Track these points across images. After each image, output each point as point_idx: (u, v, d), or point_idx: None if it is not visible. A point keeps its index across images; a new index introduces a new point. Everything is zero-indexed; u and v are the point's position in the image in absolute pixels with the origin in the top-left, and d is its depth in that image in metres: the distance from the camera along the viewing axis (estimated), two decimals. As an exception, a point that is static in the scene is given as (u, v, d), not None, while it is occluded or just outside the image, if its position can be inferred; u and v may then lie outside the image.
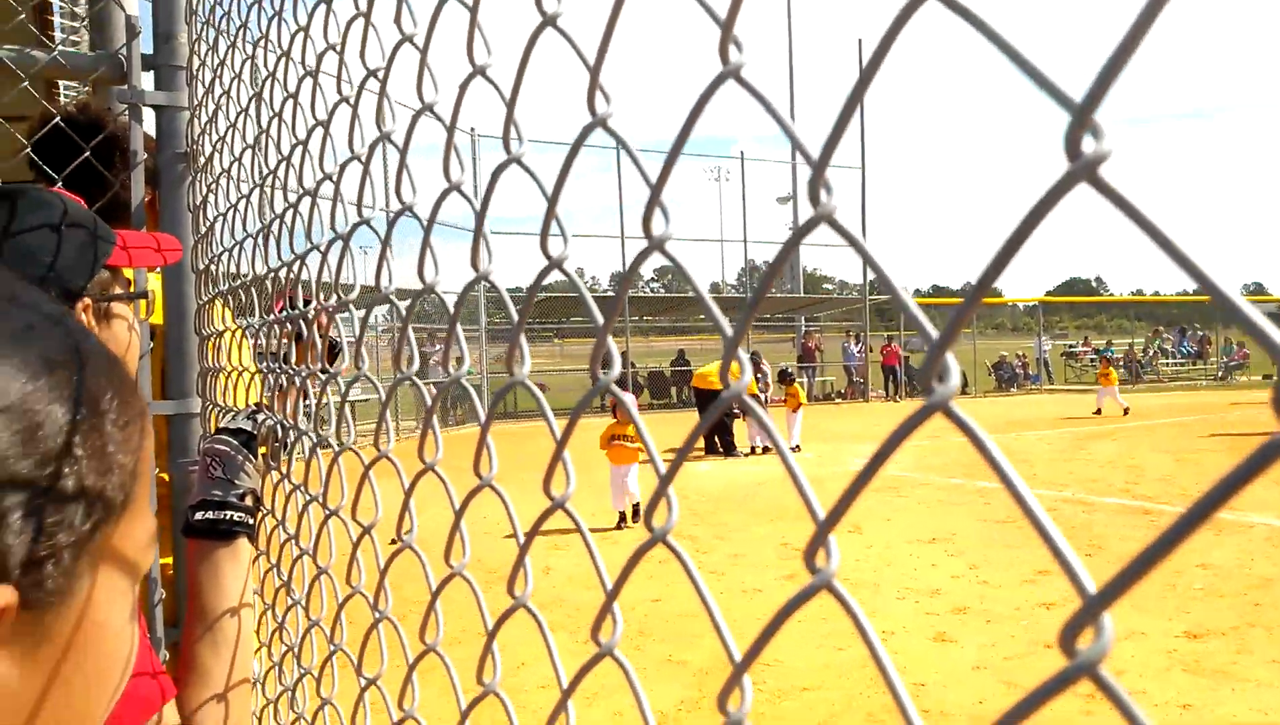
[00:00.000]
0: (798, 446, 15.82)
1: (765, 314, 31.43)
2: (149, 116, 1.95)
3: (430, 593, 0.92)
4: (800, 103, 30.10)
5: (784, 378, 18.05)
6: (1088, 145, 0.32)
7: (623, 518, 10.10)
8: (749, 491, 11.91)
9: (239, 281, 1.65)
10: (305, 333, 1.41)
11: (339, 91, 1.04)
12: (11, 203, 1.22)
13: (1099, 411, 19.68)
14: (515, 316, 0.71)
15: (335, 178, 1.11)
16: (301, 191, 1.25)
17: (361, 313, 1.16)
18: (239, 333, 1.73)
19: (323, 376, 1.31)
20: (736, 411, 13.84)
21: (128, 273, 1.53)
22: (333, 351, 1.40)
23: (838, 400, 28.96)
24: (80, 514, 0.49)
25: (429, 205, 0.92)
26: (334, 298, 1.14)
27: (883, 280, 0.40)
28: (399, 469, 0.98)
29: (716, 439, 15.71)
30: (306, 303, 1.43)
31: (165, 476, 1.94)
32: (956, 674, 5.45)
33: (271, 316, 1.55)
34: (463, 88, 0.72)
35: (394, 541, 1.02)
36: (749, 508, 10.81)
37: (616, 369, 0.61)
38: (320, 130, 1.16)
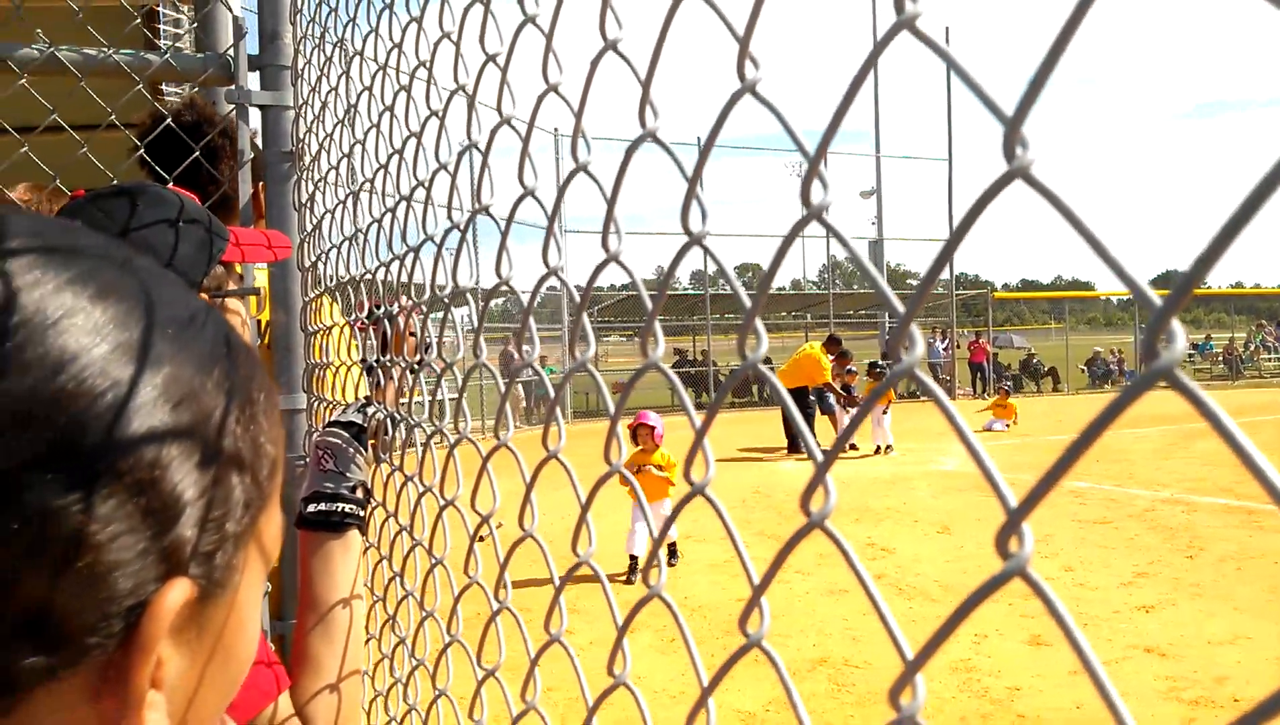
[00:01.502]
0: (889, 446, 14.81)
1: (848, 310, 31.01)
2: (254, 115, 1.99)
3: (554, 584, 0.90)
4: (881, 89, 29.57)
5: (874, 371, 17.30)
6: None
7: (634, 564, 7.94)
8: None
9: (348, 278, 1.67)
10: (400, 327, 1.43)
11: (455, 80, 1.04)
12: (132, 199, 1.24)
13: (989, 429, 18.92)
14: (649, 305, 0.70)
15: (451, 168, 1.10)
16: (416, 183, 1.25)
17: (463, 306, 1.16)
18: (347, 328, 1.75)
19: (437, 367, 1.31)
20: (814, 409, 13.34)
21: (238, 269, 1.55)
22: (424, 348, 1.40)
23: (923, 398, 28.43)
24: (242, 505, 0.50)
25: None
26: (450, 287, 1.13)
27: (1090, 242, 0.37)
28: (518, 458, 0.97)
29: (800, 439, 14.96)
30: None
31: None
32: (1053, 678, 5.30)
33: (366, 313, 1.57)
34: (593, 64, 0.70)
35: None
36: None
37: (764, 348, 0.59)
38: (435, 121, 1.15)
